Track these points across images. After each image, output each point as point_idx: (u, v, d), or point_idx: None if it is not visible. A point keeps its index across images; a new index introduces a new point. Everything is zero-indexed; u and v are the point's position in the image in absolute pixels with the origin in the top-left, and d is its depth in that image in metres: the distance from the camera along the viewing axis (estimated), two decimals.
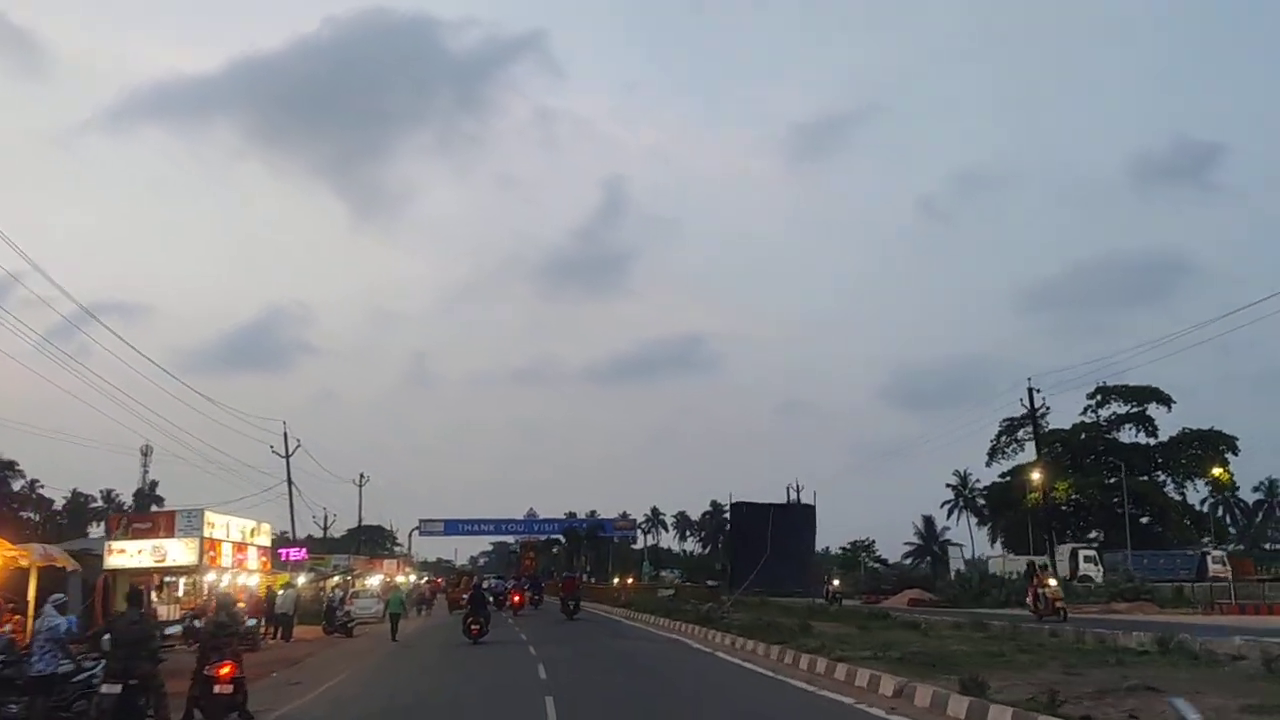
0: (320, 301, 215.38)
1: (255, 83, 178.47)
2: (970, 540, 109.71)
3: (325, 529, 69.87)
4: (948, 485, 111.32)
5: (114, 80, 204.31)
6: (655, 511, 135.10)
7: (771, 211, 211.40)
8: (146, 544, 35.66)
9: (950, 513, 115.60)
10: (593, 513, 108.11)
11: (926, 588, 49.49)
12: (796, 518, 29.94)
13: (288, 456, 44.80)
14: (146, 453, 69.75)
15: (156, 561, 35.54)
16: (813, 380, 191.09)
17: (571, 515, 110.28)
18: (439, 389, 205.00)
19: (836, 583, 40.91)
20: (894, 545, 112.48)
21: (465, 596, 34.22)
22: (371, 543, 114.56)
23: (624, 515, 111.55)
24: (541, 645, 24.99)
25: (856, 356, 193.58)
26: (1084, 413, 72.01)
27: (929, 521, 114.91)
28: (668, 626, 29.36)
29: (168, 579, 35.31)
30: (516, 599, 50.07)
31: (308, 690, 16.61)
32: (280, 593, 32.28)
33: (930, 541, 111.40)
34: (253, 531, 40.05)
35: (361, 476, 70.05)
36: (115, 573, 33.35)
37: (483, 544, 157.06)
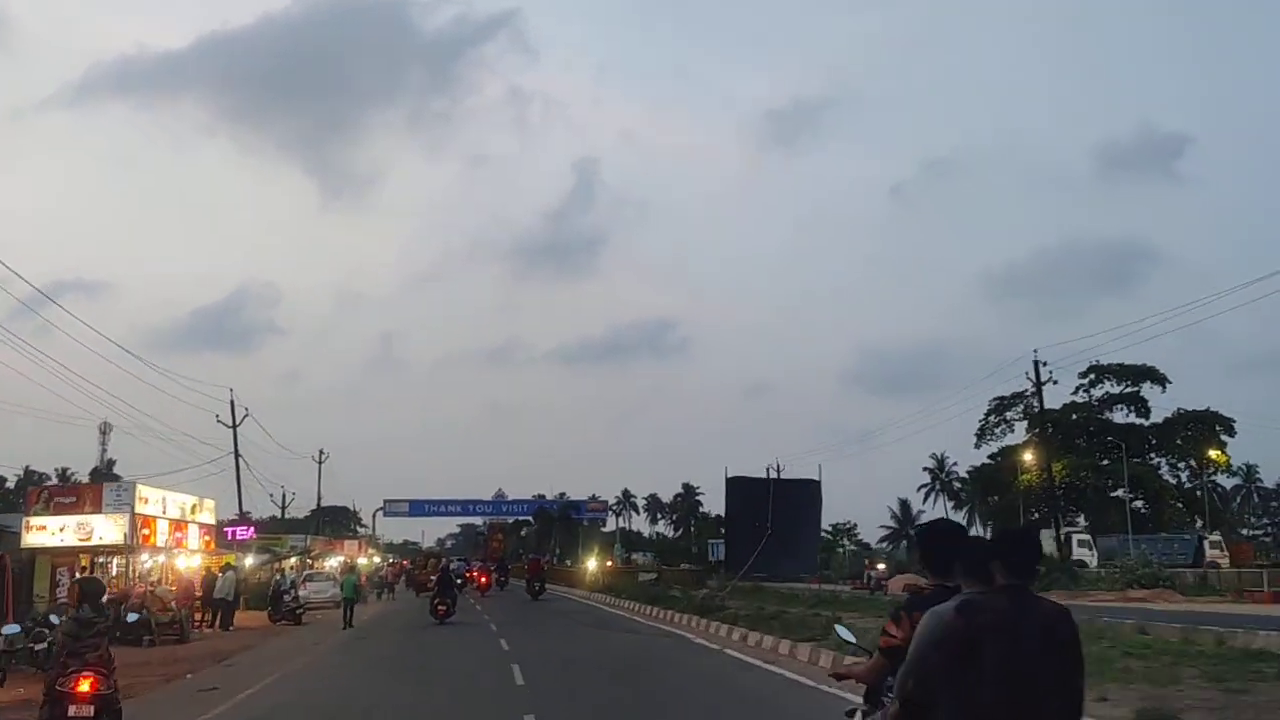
0: (287, 281, 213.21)
1: (224, 59, 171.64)
2: None
3: (283, 508, 65.93)
4: (924, 469, 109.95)
5: (79, 55, 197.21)
6: (626, 494, 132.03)
7: (742, 195, 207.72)
8: (70, 520, 31.88)
9: (927, 496, 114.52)
10: (562, 494, 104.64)
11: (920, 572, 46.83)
12: (800, 494, 26.72)
13: (234, 426, 40.85)
14: (105, 430, 66.40)
15: (81, 540, 31.74)
16: (782, 364, 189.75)
17: (540, 497, 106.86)
18: (407, 371, 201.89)
19: (881, 566, 37.19)
20: (869, 529, 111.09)
21: (433, 578, 34.47)
22: (335, 524, 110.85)
23: (594, 498, 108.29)
24: (514, 637, 21.73)
25: (826, 341, 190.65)
26: (1075, 392, 69.71)
27: (905, 505, 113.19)
28: (657, 616, 26.21)
29: (100, 560, 31.51)
30: (483, 580, 49.59)
31: (220, 700, 13.18)
32: (219, 576, 28.66)
33: (906, 525, 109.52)
34: (194, 508, 36.27)
35: (321, 453, 66.26)
36: (34, 552, 29.80)
37: (450, 526, 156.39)
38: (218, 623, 27.83)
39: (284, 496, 65.01)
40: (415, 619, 32.25)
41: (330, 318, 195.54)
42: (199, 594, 28.12)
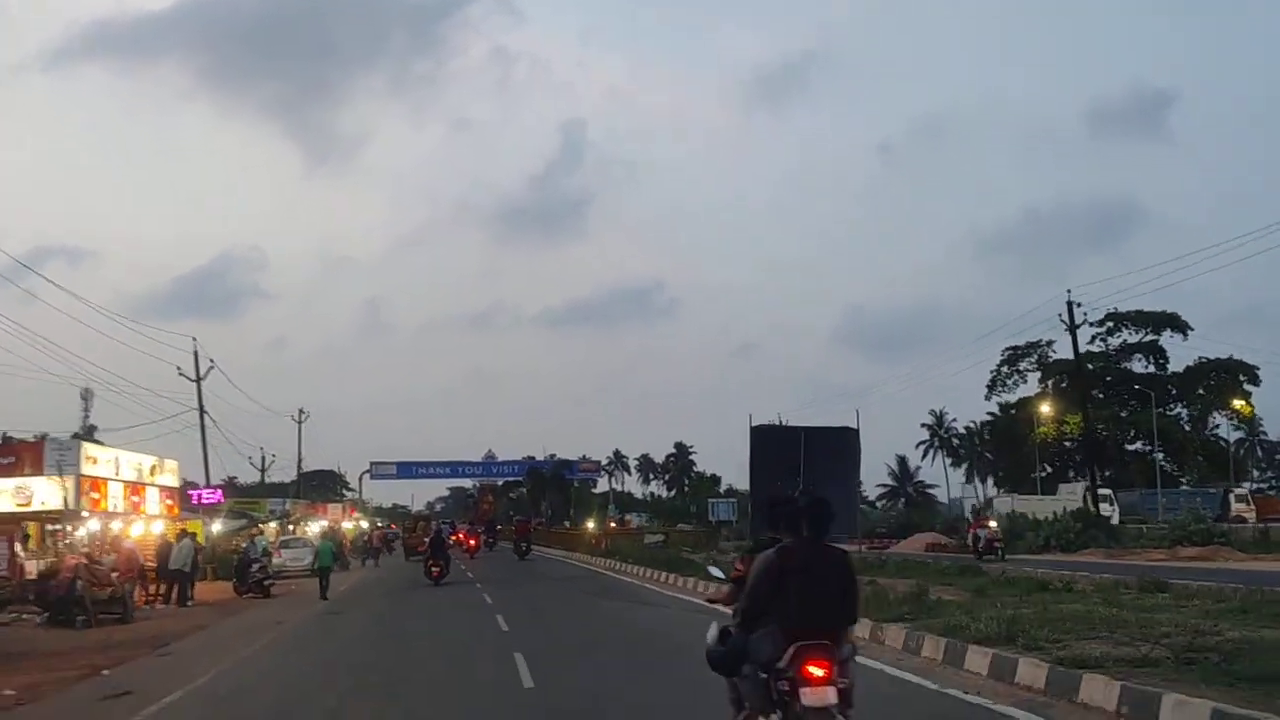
0: (272, 247, 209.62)
1: (204, 21, 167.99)
2: (945, 481, 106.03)
3: (263, 470, 62.35)
4: (922, 425, 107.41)
5: (56, 17, 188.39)
6: (618, 454, 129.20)
7: (729, 155, 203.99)
8: (8, 483, 28.49)
9: (925, 452, 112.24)
10: (552, 456, 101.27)
11: (947, 532, 44.00)
12: (835, 443, 23.25)
13: (198, 380, 36.87)
14: (87, 396, 61.28)
15: (20, 505, 28.34)
16: (771, 325, 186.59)
17: (530, 459, 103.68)
18: (393, 335, 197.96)
19: (994, 524, 32.67)
20: (864, 487, 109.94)
21: (426, 540, 34.91)
22: (322, 488, 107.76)
23: (584, 458, 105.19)
24: (514, 614, 18.46)
25: (814, 300, 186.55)
26: (1091, 341, 66.78)
27: (903, 462, 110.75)
28: (676, 585, 22.96)
29: (51, 527, 28.05)
30: (472, 543, 49.07)
31: (130, 711, 9.81)
32: (175, 544, 25.25)
33: (904, 482, 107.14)
34: (153, 469, 32.79)
35: (300, 412, 62.50)
36: None
37: (440, 489, 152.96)
38: (175, 597, 24.48)
39: (264, 459, 61.48)
40: (400, 587, 29.05)
41: (315, 283, 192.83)
42: (148, 564, 24.70)
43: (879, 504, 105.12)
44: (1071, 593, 15.32)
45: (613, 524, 60.79)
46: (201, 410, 35.54)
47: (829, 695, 5.33)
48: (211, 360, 36.42)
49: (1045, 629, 10.68)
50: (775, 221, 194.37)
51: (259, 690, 11.23)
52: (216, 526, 34.67)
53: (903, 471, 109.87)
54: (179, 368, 35.52)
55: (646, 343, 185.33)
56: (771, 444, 23.72)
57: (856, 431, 24.13)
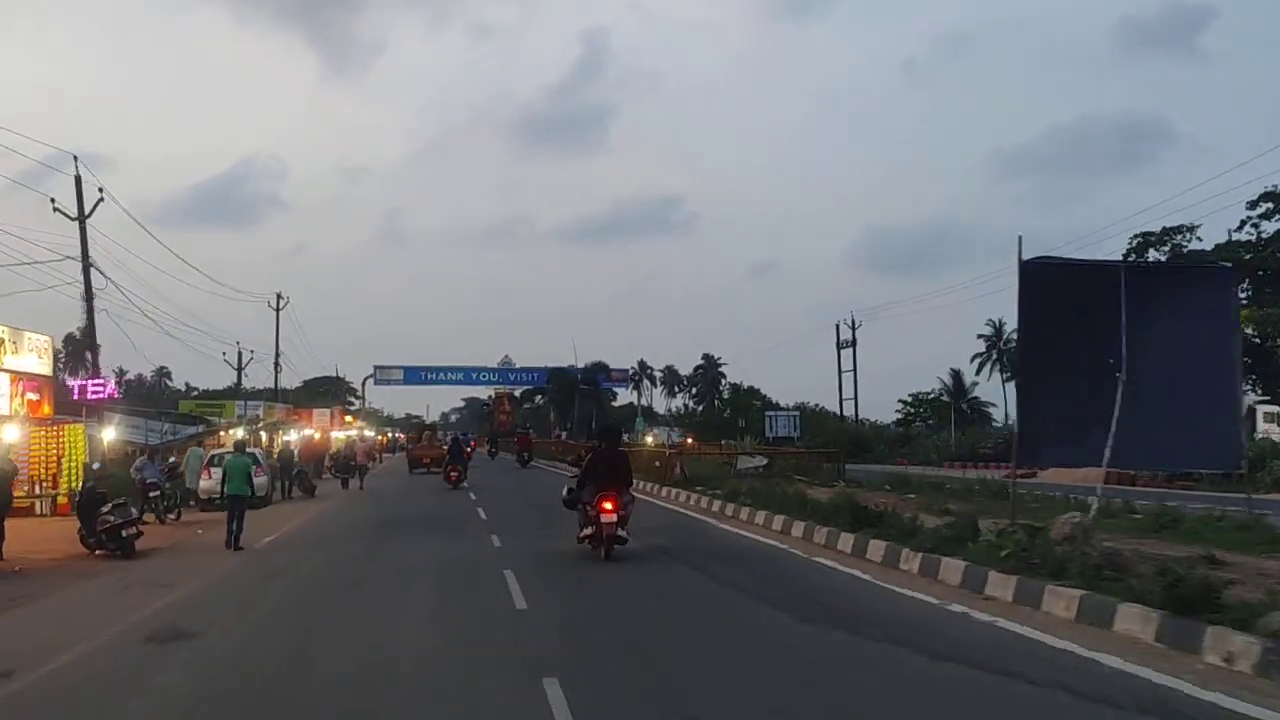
0: (290, 155, 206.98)
1: None
2: (1003, 399, 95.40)
3: (239, 369, 51.39)
4: (979, 336, 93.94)
5: None
6: (643, 365, 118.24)
7: (752, 70, 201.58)
8: None
9: (981, 366, 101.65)
10: (571, 366, 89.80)
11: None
12: (1191, 297, 11.81)
13: (82, 218, 24.56)
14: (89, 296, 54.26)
15: None
16: (789, 240, 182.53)
17: (552, 368, 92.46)
18: (409, 245, 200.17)
19: None
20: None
21: (441, 447, 37.26)
22: (327, 396, 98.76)
23: (600, 365, 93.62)
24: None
25: (832, 218, 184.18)
26: (1239, 228, 54.70)
27: (957, 376, 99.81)
28: (874, 561, 11.84)
29: None
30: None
31: None
32: None
33: (959, 397, 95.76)
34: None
35: (280, 298, 51.18)
36: None
37: (454, 399, 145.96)
38: None
39: (240, 356, 50.36)
40: (375, 530, 18.31)
41: (333, 192, 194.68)
42: None
43: (930, 423, 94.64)
44: None
45: (688, 441, 49.95)
46: (86, 262, 23.73)
47: (613, 516, 13.06)
48: (102, 190, 24.07)
49: None
50: (796, 136, 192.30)
51: None
52: (108, 435, 23.80)
53: (957, 386, 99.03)
54: (53, 200, 23.69)
55: (666, 257, 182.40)
56: (1065, 297, 12.18)
57: (1228, 271, 12.77)
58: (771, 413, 63.41)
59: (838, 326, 58.37)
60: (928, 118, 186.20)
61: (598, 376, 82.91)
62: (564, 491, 15.10)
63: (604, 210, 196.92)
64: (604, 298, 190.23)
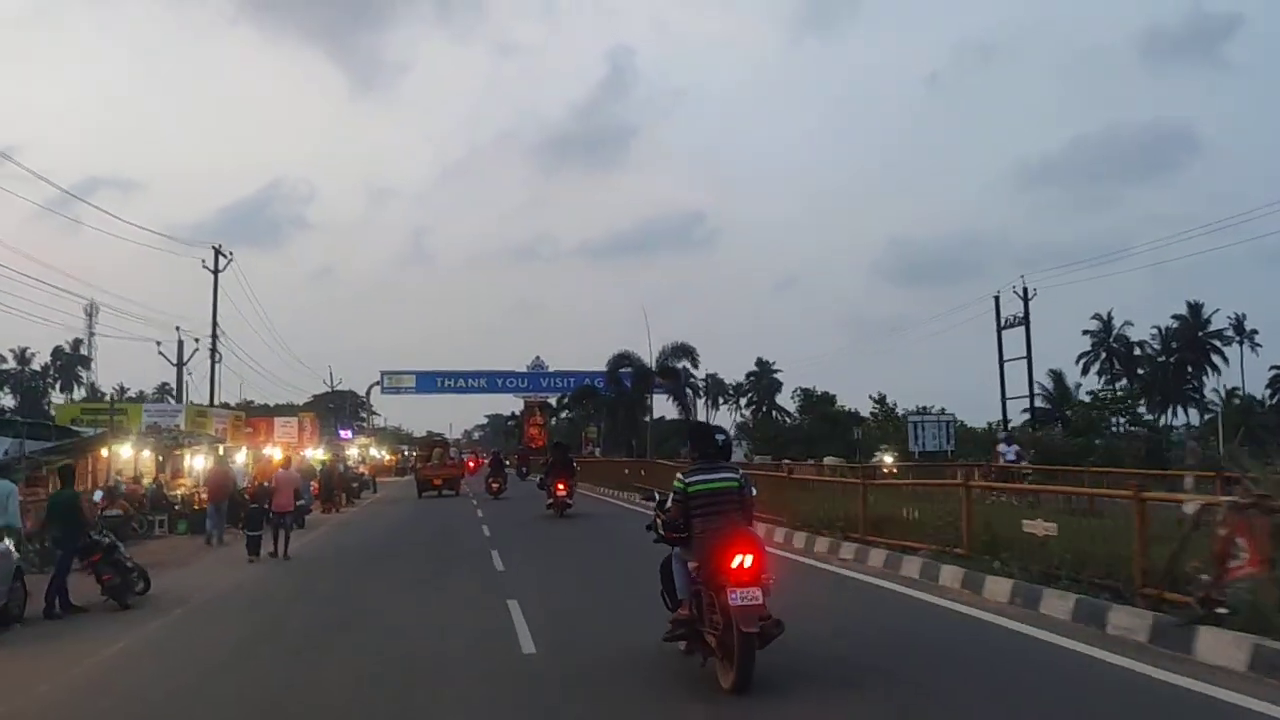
0: (316, 175, 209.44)
1: None
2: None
3: (180, 364, 39.22)
4: (1084, 332, 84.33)
5: None
6: (686, 372, 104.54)
7: (775, 85, 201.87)
8: None
9: (1088, 366, 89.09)
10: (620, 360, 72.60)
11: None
12: None
13: None
14: (91, 311, 59.39)
15: None
16: (813, 256, 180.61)
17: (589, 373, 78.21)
18: (435, 265, 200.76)
19: None
20: (971, 410, 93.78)
21: (443, 475, 37.10)
22: (340, 413, 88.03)
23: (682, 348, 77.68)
24: None
25: (856, 231, 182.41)
26: None
27: (1058, 378, 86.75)
28: None
29: None
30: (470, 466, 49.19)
31: None
32: None
33: (1061, 404, 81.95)
34: None
35: (218, 253, 38.25)
36: None
37: (477, 415, 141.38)
38: None
39: (180, 347, 38.25)
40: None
41: (359, 211, 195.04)
42: None
43: (1027, 428, 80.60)
44: None
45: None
46: None
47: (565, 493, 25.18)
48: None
49: None
50: (819, 150, 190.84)
51: None
52: None
53: (1058, 391, 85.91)
54: None
55: (688, 273, 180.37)
56: None
57: None
58: (916, 418, 51.16)
59: (996, 300, 45.96)
60: (952, 129, 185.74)
61: (684, 360, 59.40)
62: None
63: (627, 227, 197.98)
64: (628, 313, 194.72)
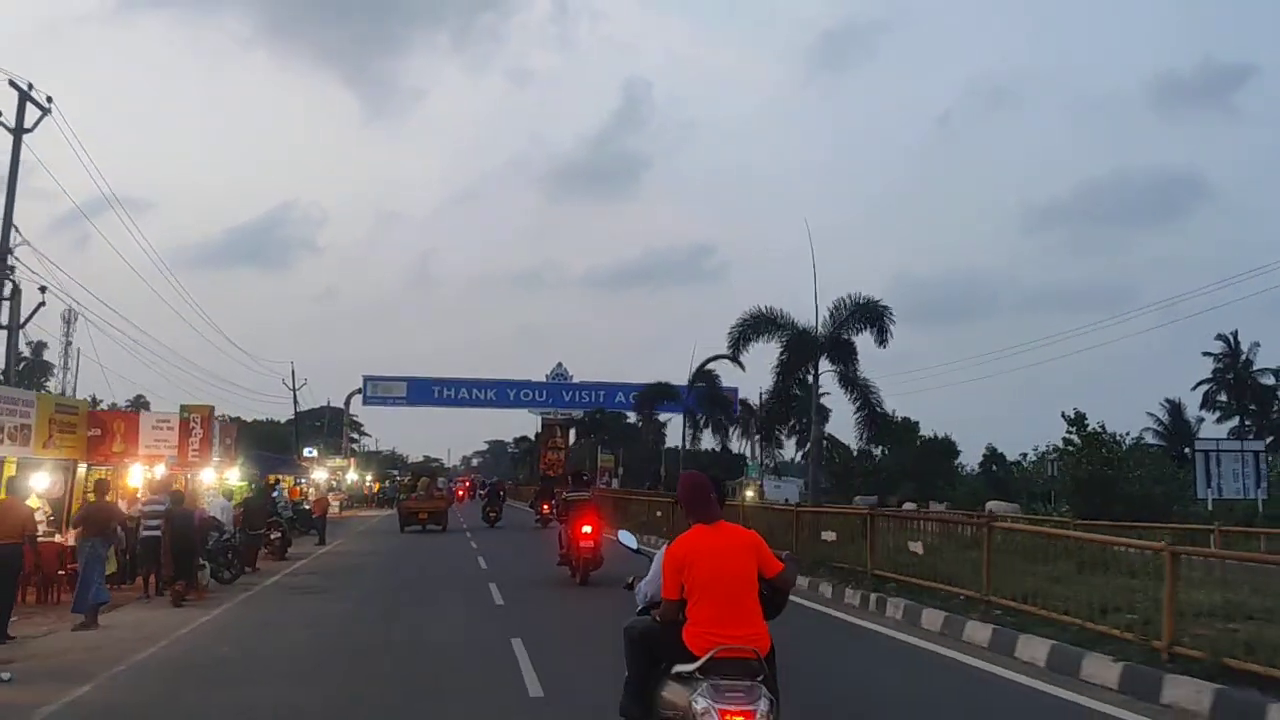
0: (326, 197, 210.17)
1: None
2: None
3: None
4: (1205, 354, 68.23)
5: None
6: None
7: (788, 120, 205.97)
8: None
9: (1205, 399, 73.71)
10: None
11: None
12: None
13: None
14: (69, 319, 55.40)
15: None
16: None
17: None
18: (441, 290, 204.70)
19: None
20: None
21: (428, 508, 35.10)
22: (323, 431, 75.85)
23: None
24: None
25: (864, 268, 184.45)
26: None
27: (1175, 409, 72.57)
28: None
29: None
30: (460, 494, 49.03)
31: None
32: None
33: (1178, 441, 66.70)
34: None
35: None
36: None
37: (477, 442, 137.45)
38: None
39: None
40: None
41: (368, 235, 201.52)
42: None
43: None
44: None
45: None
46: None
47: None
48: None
49: None
50: (829, 187, 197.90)
51: None
52: None
53: (1174, 424, 71.18)
54: None
55: (696, 304, 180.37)
56: None
57: None
58: (1208, 444, 36.19)
59: None
60: (961, 169, 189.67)
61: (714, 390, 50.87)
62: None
63: (635, 257, 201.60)
64: (637, 343, 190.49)
